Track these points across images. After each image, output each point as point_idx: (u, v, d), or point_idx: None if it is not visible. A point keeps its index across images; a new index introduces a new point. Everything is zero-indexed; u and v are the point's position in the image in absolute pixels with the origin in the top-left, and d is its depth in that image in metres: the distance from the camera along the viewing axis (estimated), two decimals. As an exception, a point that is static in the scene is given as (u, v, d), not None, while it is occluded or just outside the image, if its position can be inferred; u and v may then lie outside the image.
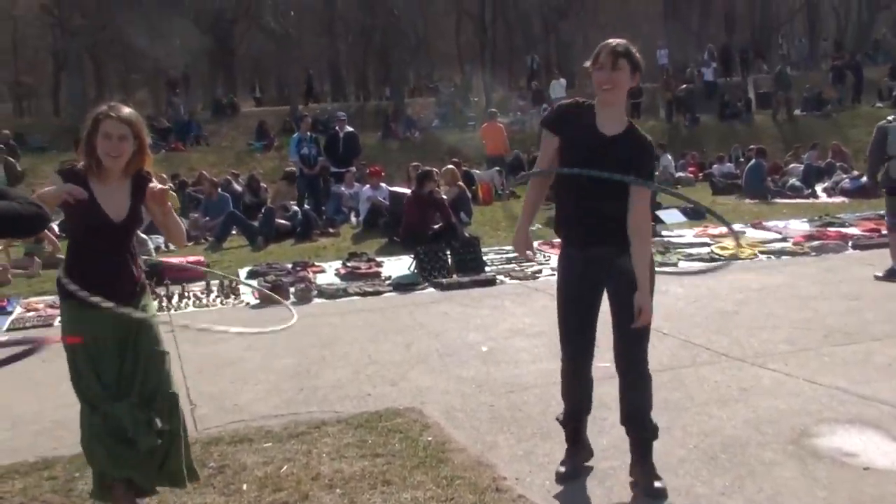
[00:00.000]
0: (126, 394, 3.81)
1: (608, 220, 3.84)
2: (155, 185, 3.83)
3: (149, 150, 3.89)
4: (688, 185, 20.45)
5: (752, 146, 20.74)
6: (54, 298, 9.49)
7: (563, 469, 4.13)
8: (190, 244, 14.02)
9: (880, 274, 8.71)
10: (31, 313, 8.85)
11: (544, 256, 10.70)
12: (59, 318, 8.42)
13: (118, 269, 3.85)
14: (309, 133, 15.95)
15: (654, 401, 4.06)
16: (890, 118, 8.66)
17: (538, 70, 38.58)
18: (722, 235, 11.61)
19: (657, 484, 3.89)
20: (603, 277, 3.93)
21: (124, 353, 3.83)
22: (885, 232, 10.43)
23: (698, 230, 12.29)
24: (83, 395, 3.83)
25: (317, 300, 8.97)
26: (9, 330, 8.28)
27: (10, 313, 8.90)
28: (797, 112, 30.30)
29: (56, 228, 15.65)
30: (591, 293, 3.98)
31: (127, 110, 3.78)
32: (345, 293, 9.13)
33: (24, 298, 9.63)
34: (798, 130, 27.66)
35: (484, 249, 10.54)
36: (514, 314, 7.91)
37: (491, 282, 9.36)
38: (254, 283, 9.52)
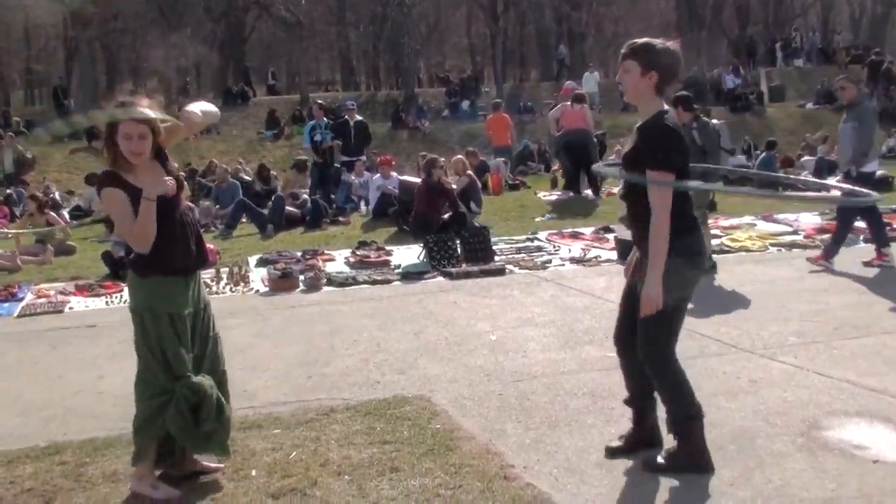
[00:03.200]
0: (197, 372, 4.03)
1: (636, 223, 4.02)
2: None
3: (162, 132, 4.02)
4: (696, 178, 20.31)
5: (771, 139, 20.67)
6: (65, 285, 9.54)
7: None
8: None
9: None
10: (42, 300, 8.88)
11: (554, 247, 10.69)
12: (69, 306, 8.53)
13: (184, 240, 4.05)
14: (324, 120, 15.94)
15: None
16: (713, 120, 9.29)
17: (564, 61, 38.00)
18: (732, 227, 11.56)
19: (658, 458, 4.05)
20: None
21: (195, 332, 4.07)
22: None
23: (709, 222, 12.21)
24: (168, 365, 3.96)
25: (326, 288, 8.98)
26: (20, 316, 8.31)
27: (22, 300, 8.93)
28: (810, 105, 30.20)
29: (66, 214, 15.74)
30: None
31: (140, 109, 3.88)
32: (354, 281, 9.13)
33: (34, 285, 9.65)
34: (816, 125, 27.46)
35: (493, 239, 10.50)
36: (522, 304, 7.90)
37: (500, 271, 9.34)
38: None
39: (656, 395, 4.12)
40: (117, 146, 3.89)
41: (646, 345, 3.96)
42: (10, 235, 12.51)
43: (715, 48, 41.28)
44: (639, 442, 4.21)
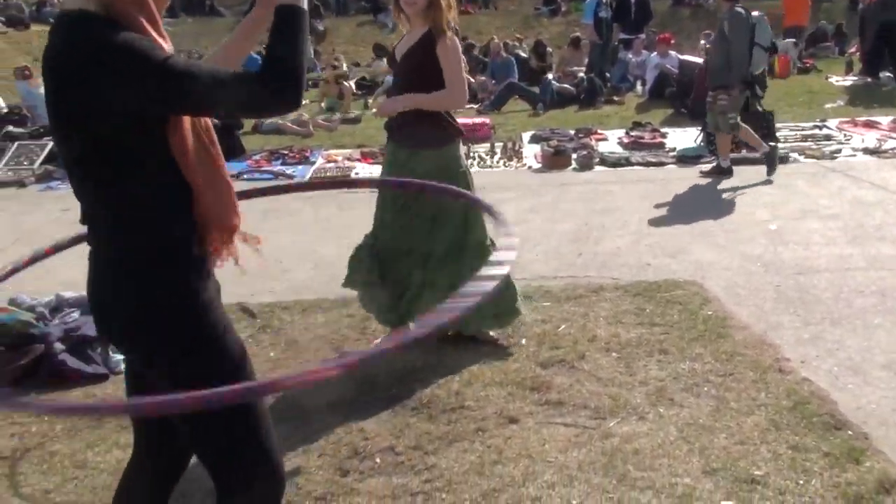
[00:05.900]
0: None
1: None
2: None
3: (442, 5, 4.04)
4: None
5: None
6: (351, 152, 10.13)
7: None
8: (474, 106, 14.33)
9: (706, 169, 8.37)
10: (331, 164, 9.49)
11: (845, 136, 9.93)
12: (355, 171, 9.08)
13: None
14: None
15: None
16: (753, 12, 8.22)
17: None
18: None
19: None
20: None
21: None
22: None
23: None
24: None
25: (598, 167, 8.92)
26: (311, 179, 8.94)
27: (313, 163, 9.59)
28: None
29: (353, 85, 16.55)
30: None
31: None
32: (627, 162, 9.00)
33: (324, 150, 10.32)
34: None
35: (777, 125, 9.91)
36: (807, 194, 7.46)
37: (783, 159, 8.82)
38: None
39: None
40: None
41: None
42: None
43: None
44: None
